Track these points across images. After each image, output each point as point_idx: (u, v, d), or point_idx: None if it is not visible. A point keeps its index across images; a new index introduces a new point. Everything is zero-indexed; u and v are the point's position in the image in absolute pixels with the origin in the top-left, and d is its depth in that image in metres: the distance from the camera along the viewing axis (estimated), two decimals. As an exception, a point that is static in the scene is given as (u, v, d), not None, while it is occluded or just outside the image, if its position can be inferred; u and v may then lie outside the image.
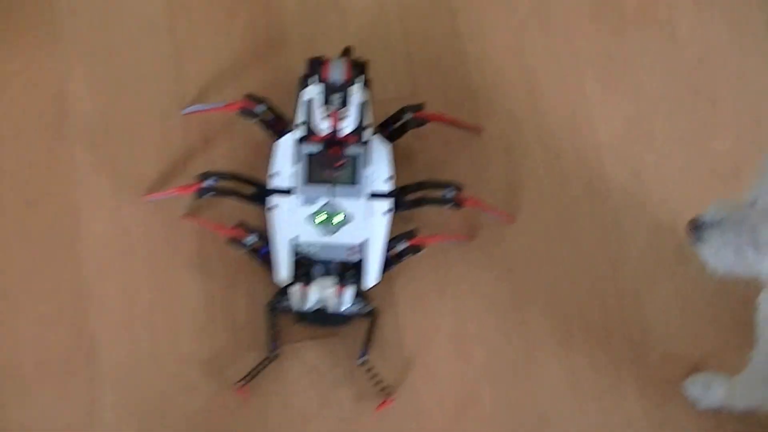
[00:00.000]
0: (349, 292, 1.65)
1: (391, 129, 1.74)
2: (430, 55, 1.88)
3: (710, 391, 1.70)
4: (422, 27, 1.91)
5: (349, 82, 1.67)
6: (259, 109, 1.72)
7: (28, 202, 1.79)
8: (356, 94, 1.65)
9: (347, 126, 1.64)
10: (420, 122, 1.74)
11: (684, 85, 1.88)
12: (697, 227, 1.33)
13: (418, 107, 1.75)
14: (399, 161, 1.72)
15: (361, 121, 1.67)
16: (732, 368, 1.64)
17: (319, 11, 1.91)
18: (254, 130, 1.78)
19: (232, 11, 1.89)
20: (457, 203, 1.71)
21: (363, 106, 1.67)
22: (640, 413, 1.73)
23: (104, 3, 1.89)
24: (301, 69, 1.76)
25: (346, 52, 1.77)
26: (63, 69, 1.85)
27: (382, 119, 1.76)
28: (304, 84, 1.71)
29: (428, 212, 1.77)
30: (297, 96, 1.72)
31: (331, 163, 1.64)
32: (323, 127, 1.63)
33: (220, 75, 1.86)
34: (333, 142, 1.65)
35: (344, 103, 1.66)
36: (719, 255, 1.31)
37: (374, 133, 1.71)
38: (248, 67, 1.87)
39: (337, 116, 1.63)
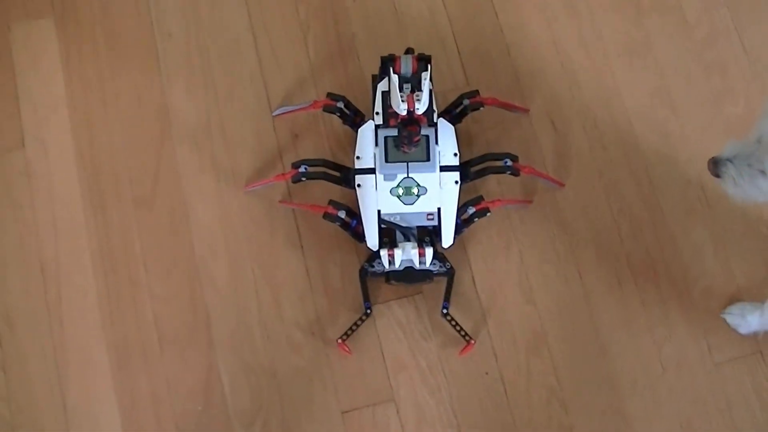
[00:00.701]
0: (429, 252, 1.92)
1: (453, 114, 2.03)
2: (478, 50, 2.18)
3: (746, 318, 1.98)
4: (469, 27, 2.20)
5: (418, 72, 1.96)
6: (340, 104, 2.01)
7: (143, 200, 2.07)
8: (426, 80, 1.94)
9: (422, 106, 1.92)
10: (476, 106, 2.03)
11: (696, 60, 2.18)
12: (716, 164, 1.61)
13: (473, 93, 2.03)
14: (461, 142, 2.00)
15: (430, 104, 1.96)
16: (764, 297, 1.93)
17: (381, 20, 2.20)
18: (334, 126, 2.10)
19: (305, 26, 2.19)
20: (515, 171, 1.98)
21: (430, 92, 1.96)
22: (688, 341, 2.00)
23: (195, 27, 2.18)
24: (372, 69, 2.07)
25: (409, 51, 2.06)
26: (164, 85, 2.14)
27: (443, 107, 2.05)
28: (379, 78, 2.01)
29: (490, 184, 2.06)
30: (373, 90, 2.02)
31: (410, 139, 1.91)
32: (402, 108, 1.91)
33: (300, 82, 2.15)
34: (410, 121, 1.93)
35: (416, 88, 1.94)
36: (737, 185, 1.58)
37: (439, 117, 2.00)
38: (323, 73, 2.16)
39: (412, 98, 1.91)
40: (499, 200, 2.00)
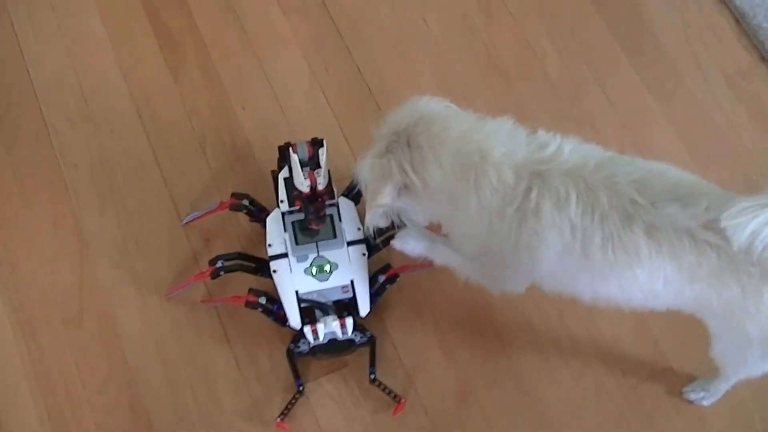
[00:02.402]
0: (349, 321, 2.18)
1: (351, 195, 2.32)
2: (365, 135, 2.39)
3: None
4: (353, 116, 2.55)
5: (314, 155, 2.24)
6: (245, 201, 2.29)
7: (70, 320, 2.30)
8: (323, 155, 2.22)
9: (323, 180, 2.21)
10: (371, 184, 2.32)
11: (567, 115, 2.54)
12: None
13: (364, 172, 2.33)
14: (363, 220, 2.24)
15: (329, 182, 2.25)
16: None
17: (271, 123, 2.52)
18: (242, 226, 2.39)
19: (202, 140, 2.50)
20: (417, 236, 2.27)
21: (328, 173, 2.25)
22: (603, 370, 2.28)
23: (99, 155, 2.48)
24: (270, 167, 2.35)
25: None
26: (76, 210, 2.42)
27: (340, 191, 2.34)
28: (278, 168, 2.30)
29: (396, 255, 2.28)
30: (274, 182, 2.29)
31: (317, 214, 2.20)
32: (305, 185, 2.20)
33: (204, 189, 2.44)
34: (314, 197, 2.21)
35: (316, 166, 2.23)
36: None
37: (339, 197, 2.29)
38: (225, 178, 2.46)
39: (314, 175, 2.19)
40: (406, 266, 2.28)
